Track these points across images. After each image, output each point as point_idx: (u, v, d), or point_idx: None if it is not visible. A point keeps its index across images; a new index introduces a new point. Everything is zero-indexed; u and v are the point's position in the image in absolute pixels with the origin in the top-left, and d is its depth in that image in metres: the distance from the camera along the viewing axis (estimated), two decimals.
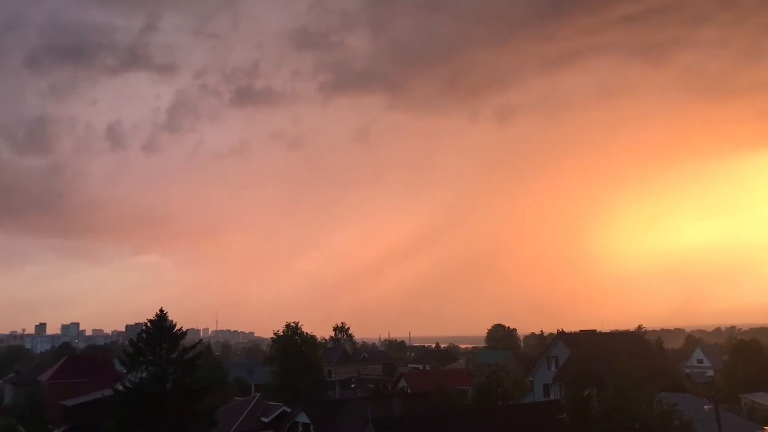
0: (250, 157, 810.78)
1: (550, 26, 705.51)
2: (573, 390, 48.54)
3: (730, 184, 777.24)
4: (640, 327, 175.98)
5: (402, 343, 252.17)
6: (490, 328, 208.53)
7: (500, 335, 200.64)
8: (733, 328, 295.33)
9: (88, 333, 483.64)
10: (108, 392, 45.91)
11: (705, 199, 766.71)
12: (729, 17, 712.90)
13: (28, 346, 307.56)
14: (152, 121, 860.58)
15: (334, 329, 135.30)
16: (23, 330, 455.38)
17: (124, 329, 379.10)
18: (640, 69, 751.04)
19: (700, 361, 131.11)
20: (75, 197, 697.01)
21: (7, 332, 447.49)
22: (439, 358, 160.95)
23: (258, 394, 69.94)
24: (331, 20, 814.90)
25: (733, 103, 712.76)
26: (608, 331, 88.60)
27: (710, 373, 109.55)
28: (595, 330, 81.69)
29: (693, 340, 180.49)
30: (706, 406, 45.53)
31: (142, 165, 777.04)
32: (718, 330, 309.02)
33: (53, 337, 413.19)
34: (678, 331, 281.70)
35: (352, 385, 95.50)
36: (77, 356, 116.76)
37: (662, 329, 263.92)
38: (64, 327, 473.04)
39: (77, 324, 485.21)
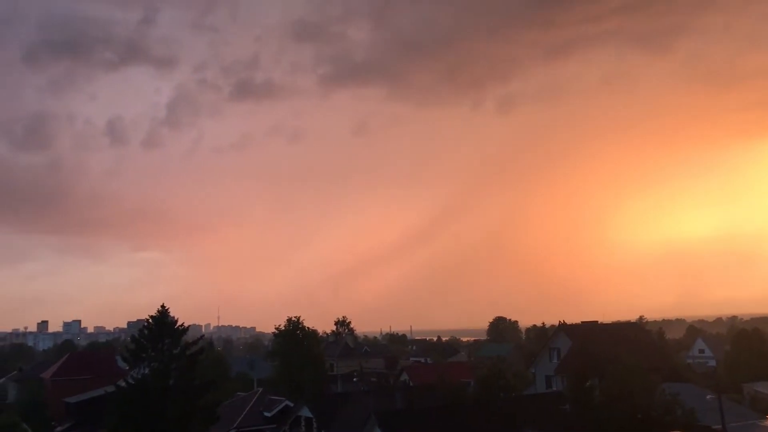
0: (250, 152, 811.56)
1: (550, 14, 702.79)
2: (575, 381, 48.53)
3: (732, 173, 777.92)
4: (641, 318, 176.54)
5: (403, 336, 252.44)
6: (491, 320, 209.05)
7: (502, 327, 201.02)
8: (734, 318, 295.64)
9: (90, 330, 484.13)
10: (110, 389, 45.93)
11: (707, 188, 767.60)
12: (733, 3, 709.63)
13: (30, 343, 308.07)
14: (151, 116, 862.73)
15: (336, 323, 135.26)
16: (25, 328, 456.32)
17: (126, 326, 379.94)
18: (641, 57, 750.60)
19: (701, 351, 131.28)
20: (74, 193, 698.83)
21: (9, 330, 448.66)
22: (440, 351, 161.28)
23: (260, 389, 70.00)
24: (331, 11, 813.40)
25: (735, 91, 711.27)
26: (610, 322, 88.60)
27: (712, 363, 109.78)
28: (597, 321, 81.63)
29: (694, 330, 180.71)
30: (709, 396, 45.55)
31: (141, 160, 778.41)
32: (719, 320, 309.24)
33: (55, 334, 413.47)
34: (679, 322, 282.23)
35: (354, 379, 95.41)
36: (79, 353, 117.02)
37: (663, 320, 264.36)
38: (66, 324, 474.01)
39: (79, 321, 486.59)
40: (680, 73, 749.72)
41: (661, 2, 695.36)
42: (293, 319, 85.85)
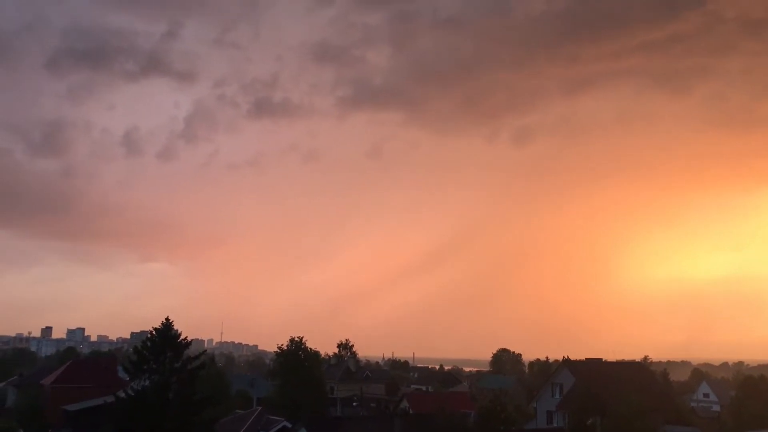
0: (264, 169, 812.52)
1: (572, 49, 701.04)
2: (577, 418, 48.19)
3: (745, 217, 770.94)
4: (646, 357, 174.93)
5: (406, 363, 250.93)
6: (495, 352, 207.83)
7: (505, 360, 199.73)
8: (740, 363, 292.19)
9: (93, 339, 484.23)
10: (110, 399, 45.94)
11: (720, 231, 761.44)
12: (755, 47, 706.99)
13: (33, 349, 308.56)
14: (169, 128, 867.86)
15: (338, 346, 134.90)
16: (29, 333, 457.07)
17: (129, 336, 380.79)
18: (660, 97, 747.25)
19: (706, 395, 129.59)
20: (86, 201, 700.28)
21: (13, 334, 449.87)
22: (442, 380, 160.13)
23: (259, 408, 69.74)
24: (352, 34, 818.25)
25: (753, 136, 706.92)
26: (614, 361, 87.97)
27: (716, 408, 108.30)
28: (601, 359, 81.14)
29: (699, 373, 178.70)
30: None
31: (155, 172, 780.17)
32: (725, 364, 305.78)
33: (58, 341, 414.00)
34: (684, 364, 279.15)
35: (354, 403, 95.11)
36: (81, 361, 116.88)
37: (668, 361, 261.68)
38: (70, 331, 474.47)
39: (83, 329, 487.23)
40: (698, 115, 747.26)
41: (682, 43, 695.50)
42: (296, 339, 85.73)
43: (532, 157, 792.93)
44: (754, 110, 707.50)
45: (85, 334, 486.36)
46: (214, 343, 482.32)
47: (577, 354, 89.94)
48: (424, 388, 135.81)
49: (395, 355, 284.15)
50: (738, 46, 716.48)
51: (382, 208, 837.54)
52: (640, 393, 59.52)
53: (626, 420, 42.96)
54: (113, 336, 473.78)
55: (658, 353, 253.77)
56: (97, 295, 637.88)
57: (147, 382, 43.08)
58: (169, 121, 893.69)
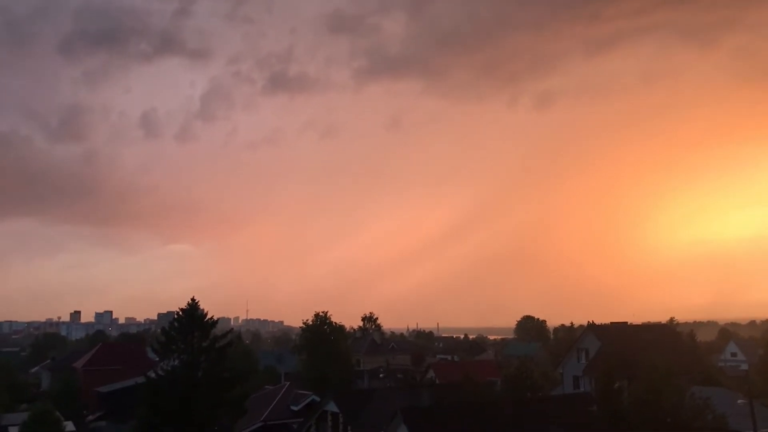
0: (283, 146, 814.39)
1: (593, 7, 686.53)
2: (603, 382, 47.98)
3: None
4: (672, 319, 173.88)
5: (430, 333, 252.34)
6: (519, 319, 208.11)
7: (530, 326, 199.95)
8: None
9: (121, 321, 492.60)
10: (141, 380, 46.65)
11: (750, 188, 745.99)
12: None
13: (63, 333, 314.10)
14: (186, 109, 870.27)
15: (363, 319, 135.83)
16: (59, 317, 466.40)
17: (156, 317, 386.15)
18: (686, 52, 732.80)
19: (734, 354, 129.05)
20: (108, 185, 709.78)
21: (43, 319, 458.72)
22: (467, 348, 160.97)
23: (288, 383, 70.48)
24: (366, 3, 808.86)
25: None
26: (640, 324, 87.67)
27: (744, 367, 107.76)
28: (627, 322, 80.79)
29: (727, 333, 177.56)
30: (740, 401, 44.77)
31: (174, 153, 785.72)
32: (752, 323, 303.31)
33: (87, 324, 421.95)
34: (711, 324, 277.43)
35: (381, 375, 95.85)
36: (111, 344, 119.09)
37: (695, 321, 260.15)
38: (98, 315, 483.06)
39: (110, 312, 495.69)
40: (726, 69, 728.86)
41: None
42: (321, 313, 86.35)
43: (554, 121, 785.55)
44: None
45: (113, 317, 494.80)
46: (240, 321, 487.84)
47: (602, 318, 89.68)
48: (449, 358, 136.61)
49: (420, 326, 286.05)
50: None
51: (403, 181, 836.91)
52: (666, 355, 59.28)
53: (654, 383, 42.79)
54: (140, 318, 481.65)
55: (684, 314, 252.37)
56: (123, 278, 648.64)
57: (176, 362, 43.63)
58: (185, 101, 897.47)
